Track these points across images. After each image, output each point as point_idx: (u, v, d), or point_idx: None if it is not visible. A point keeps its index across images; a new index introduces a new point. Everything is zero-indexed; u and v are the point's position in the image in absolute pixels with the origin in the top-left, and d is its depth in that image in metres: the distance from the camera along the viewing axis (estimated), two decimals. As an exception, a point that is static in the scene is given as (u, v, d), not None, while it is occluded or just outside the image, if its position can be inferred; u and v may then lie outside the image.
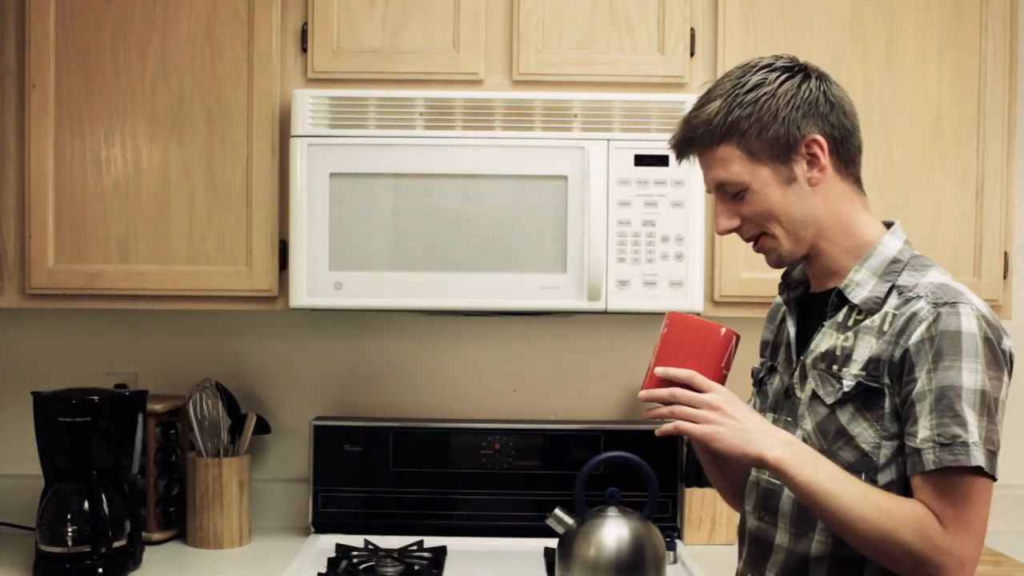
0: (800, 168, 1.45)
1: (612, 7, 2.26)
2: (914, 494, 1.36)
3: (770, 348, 1.65)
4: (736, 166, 1.45)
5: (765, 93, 1.44)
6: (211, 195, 2.25)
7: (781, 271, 1.62)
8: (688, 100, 2.17)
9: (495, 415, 2.62)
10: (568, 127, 2.19)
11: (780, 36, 2.26)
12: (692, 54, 2.26)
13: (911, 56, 2.28)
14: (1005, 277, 2.30)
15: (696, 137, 1.47)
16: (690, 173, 2.16)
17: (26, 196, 2.23)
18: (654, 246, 2.18)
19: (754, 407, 1.63)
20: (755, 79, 1.45)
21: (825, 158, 1.45)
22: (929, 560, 1.31)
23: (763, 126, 1.43)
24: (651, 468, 1.96)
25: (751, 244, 1.52)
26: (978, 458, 1.30)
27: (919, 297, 1.39)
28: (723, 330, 1.45)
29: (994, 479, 1.33)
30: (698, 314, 2.21)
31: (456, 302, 2.19)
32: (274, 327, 2.61)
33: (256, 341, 2.62)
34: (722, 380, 1.45)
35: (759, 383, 1.64)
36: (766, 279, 2.21)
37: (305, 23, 2.25)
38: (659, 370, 1.43)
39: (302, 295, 2.19)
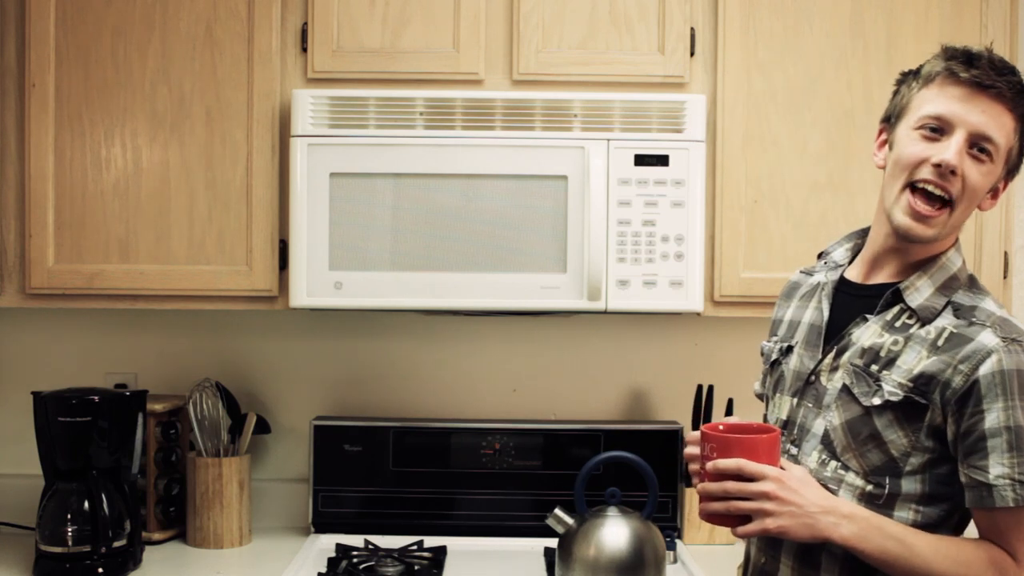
0: (999, 187, 1.49)
1: (612, 7, 2.26)
2: (978, 527, 1.39)
3: (785, 326, 1.63)
4: (1004, 139, 1.44)
5: None
6: (211, 195, 2.25)
7: (787, 269, 1.60)
8: (688, 100, 2.19)
9: (495, 415, 2.62)
10: (568, 127, 2.19)
11: (780, 36, 2.26)
12: (692, 54, 2.26)
13: (911, 56, 2.27)
14: (1005, 277, 2.30)
15: (1019, 90, 1.44)
16: (690, 173, 2.17)
17: (26, 196, 2.23)
18: (654, 246, 2.18)
19: (764, 384, 1.64)
20: None
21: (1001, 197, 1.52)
22: None
23: None
24: (651, 468, 1.96)
25: (930, 202, 1.44)
26: None
27: (984, 326, 1.40)
28: (766, 435, 1.42)
29: None
30: (698, 314, 2.24)
31: (456, 302, 2.19)
32: (274, 327, 2.61)
33: (256, 341, 2.62)
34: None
35: (772, 364, 1.63)
36: (766, 279, 2.22)
37: (305, 23, 2.25)
38: (709, 465, 1.40)
39: (302, 295, 2.19)
